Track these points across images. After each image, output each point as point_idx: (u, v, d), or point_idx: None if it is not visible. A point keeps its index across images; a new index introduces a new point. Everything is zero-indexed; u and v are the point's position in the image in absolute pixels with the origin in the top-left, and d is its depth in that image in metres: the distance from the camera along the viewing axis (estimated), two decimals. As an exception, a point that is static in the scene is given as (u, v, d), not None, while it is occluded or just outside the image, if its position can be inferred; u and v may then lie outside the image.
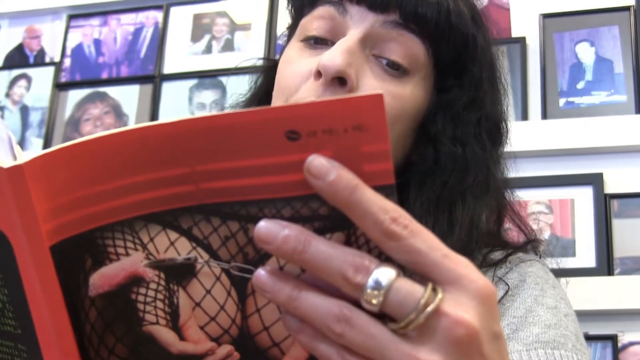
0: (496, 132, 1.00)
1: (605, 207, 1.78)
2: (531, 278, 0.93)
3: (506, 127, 1.02)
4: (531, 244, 1.01)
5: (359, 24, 0.92)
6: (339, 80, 0.89)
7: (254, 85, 1.10)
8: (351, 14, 0.92)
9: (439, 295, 0.52)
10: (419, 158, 0.95)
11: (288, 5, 1.05)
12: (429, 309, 0.51)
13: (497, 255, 0.97)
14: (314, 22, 0.95)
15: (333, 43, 0.92)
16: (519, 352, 0.84)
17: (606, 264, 1.73)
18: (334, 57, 0.88)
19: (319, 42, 0.95)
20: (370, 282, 0.51)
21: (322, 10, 0.95)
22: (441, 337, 0.52)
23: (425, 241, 0.52)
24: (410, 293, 0.51)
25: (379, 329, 0.52)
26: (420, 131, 0.95)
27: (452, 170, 0.93)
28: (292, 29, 1.03)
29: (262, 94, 1.07)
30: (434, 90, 0.96)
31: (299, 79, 0.92)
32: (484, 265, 0.94)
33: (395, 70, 0.92)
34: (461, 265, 0.53)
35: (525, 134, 1.76)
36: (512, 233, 1.03)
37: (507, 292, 0.91)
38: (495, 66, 1.02)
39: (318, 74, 0.89)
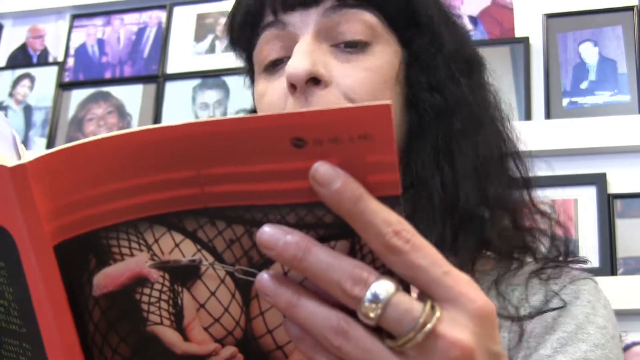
0: (467, 64, 0.99)
1: (609, 207, 1.78)
2: (584, 296, 0.93)
3: (473, 52, 1.02)
4: (570, 256, 1.00)
5: (303, 26, 0.91)
6: (313, 81, 0.88)
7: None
8: (292, 23, 0.92)
9: (437, 314, 0.51)
10: (407, 123, 0.94)
11: (234, 50, 1.04)
12: (427, 328, 0.51)
13: (550, 271, 0.96)
14: (264, 50, 0.95)
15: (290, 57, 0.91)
16: None
17: (609, 264, 1.73)
18: (297, 62, 0.88)
19: (278, 63, 0.94)
20: (368, 295, 0.51)
21: (265, 37, 0.94)
22: (437, 357, 0.51)
23: (426, 257, 0.52)
24: (408, 310, 0.51)
25: (375, 344, 0.52)
26: (403, 95, 0.95)
27: (438, 121, 0.93)
28: (250, 70, 1.03)
29: None
30: (402, 48, 0.95)
31: (277, 103, 0.92)
32: (534, 276, 0.94)
33: (356, 47, 0.91)
34: (461, 283, 0.53)
35: (528, 134, 1.75)
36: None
37: (561, 307, 0.91)
38: (440, 4, 1.01)
39: (292, 86, 0.89)
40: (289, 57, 0.91)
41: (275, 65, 0.94)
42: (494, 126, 0.99)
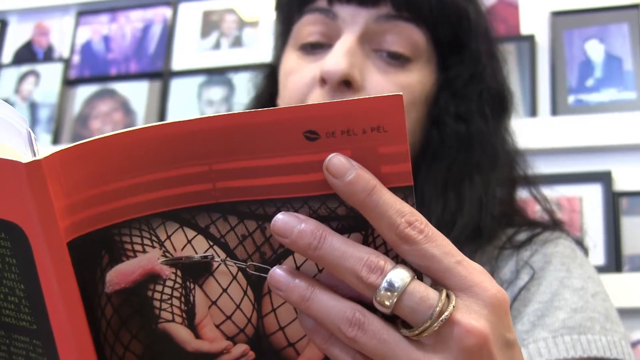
0: (499, 104, 0.99)
1: (614, 204, 1.77)
2: (557, 259, 0.91)
3: (509, 95, 1.01)
4: (556, 224, 0.98)
5: (352, 24, 0.91)
6: (345, 84, 0.88)
7: (256, 90, 1.09)
8: (342, 17, 0.91)
9: (453, 303, 0.52)
10: (426, 141, 0.94)
11: (276, 13, 1.04)
12: (443, 316, 0.51)
13: (523, 236, 0.95)
14: (306, 29, 0.94)
15: (330, 46, 0.91)
16: (545, 340, 0.83)
17: (615, 262, 1.73)
18: (336, 61, 0.87)
19: (316, 47, 0.94)
20: (384, 283, 0.51)
21: (312, 18, 0.94)
22: (453, 345, 0.52)
23: (439, 247, 0.53)
24: (424, 298, 0.51)
25: (391, 334, 0.52)
26: (428, 114, 0.95)
27: (458, 149, 0.93)
28: (284, 35, 1.02)
29: (267, 98, 1.05)
30: (439, 71, 0.95)
31: (304, 89, 0.92)
32: (507, 246, 0.93)
33: (397, 60, 0.91)
34: (474, 272, 0.54)
35: (534, 131, 1.75)
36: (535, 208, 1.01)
37: (532, 276, 0.89)
38: (490, 36, 1.01)
39: (323, 80, 0.89)
40: (328, 45, 0.92)
41: (313, 48, 0.94)
42: (507, 167, 0.98)
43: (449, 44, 0.95)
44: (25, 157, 0.53)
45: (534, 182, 1.01)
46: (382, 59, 0.91)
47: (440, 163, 0.93)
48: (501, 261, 0.92)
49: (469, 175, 0.92)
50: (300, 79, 0.92)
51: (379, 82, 0.89)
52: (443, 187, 0.92)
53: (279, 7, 1.02)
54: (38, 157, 0.50)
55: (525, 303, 0.87)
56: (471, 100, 0.95)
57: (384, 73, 0.90)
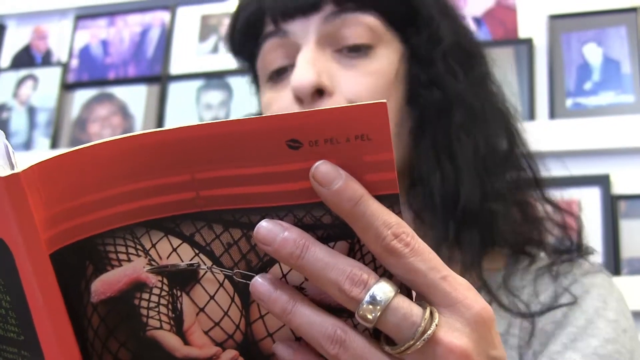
0: (467, 57, 0.98)
1: (612, 208, 1.77)
2: (595, 290, 0.92)
3: (475, 45, 1.01)
4: (583, 249, 0.99)
5: (304, 35, 0.91)
6: (318, 92, 0.88)
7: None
8: (293, 32, 0.92)
9: (435, 321, 0.51)
10: (411, 122, 0.94)
11: (237, 60, 1.04)
12: (426, 335, 0.51)
13: (562, 267, 0.95)
14: (267, 59, 0.95)
15: (294, 65, 0.91)
16: None
17: (613, 265, 1.73)
18: (301, 74, 0.88)
19: (283, 72, 0.94)
20: (367, 297, 0.51)
21: (267, 46, 0.94)
22: None
23: (425, 261, 0.52)
24: (407, 315, 0.51)
25: (373, 353, 0.52)
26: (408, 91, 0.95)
27: (438, 116, 0.93)
28: (254, 78, 1.03)
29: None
30: (403, 45, 0.95)
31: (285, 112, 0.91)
32: (542, 272, 0.93)
33: (359, 52, 0.91)
34: (459, 288, 0.53)
35: (532, 135, 1.74)
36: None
37: (571, 302, 0.90)
38: None
39: (297, 98, 0.89)
40: (292, 66, 0.92)
41: (280, 74, 0.94)
42: (496, 120, 0.98)
43: (401, 17, 0.94)
44: (3, 170, 0.52)
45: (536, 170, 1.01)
46: (345, 56, 0.91)
47: (426, 136, 0.93)
48: (539, 286, 0.92)
49: (456, 138, 0.92)
50: (280, 107, 0.92)
51: (350, 78, 0.90)
52: (435, 158, 0.91)
53: (237, 53, 1.03)
54: (16, 170, 0.50)
55: (560, 326, 0.88)
56: (436, 62, 0.94)
57: (352, 68, 0.90)
